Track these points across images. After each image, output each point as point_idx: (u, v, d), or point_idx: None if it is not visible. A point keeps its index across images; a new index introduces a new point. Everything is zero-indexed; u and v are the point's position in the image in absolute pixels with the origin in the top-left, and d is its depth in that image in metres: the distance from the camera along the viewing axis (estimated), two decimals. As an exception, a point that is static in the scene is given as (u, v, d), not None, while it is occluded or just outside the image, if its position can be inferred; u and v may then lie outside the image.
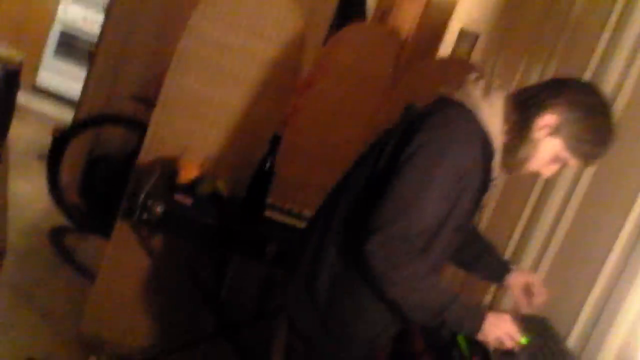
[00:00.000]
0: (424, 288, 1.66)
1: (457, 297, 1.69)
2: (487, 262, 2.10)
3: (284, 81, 3.04)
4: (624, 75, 2.33)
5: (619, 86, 2.33)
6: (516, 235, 2.68)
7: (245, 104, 3.04)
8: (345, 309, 1.80)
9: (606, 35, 2.50)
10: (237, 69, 3.00)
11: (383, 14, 6.12)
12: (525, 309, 2.02)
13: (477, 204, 1.82)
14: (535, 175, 1.85)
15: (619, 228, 2.05)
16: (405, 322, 1.90)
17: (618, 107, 2.29)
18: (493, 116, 1.72)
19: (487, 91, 1.75)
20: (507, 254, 2.65)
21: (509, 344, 1.72)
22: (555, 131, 1.70)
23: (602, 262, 2.08)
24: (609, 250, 2.07)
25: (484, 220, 3.00)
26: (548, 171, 1.78)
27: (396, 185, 1.64)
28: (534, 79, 2.92)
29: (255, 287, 3.10)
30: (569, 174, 2.46)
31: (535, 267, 2.47)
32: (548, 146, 1.72)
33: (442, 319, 1.67)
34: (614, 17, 2.48)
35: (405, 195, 1.62)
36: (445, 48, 4.82)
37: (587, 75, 2.47)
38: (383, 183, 1.68)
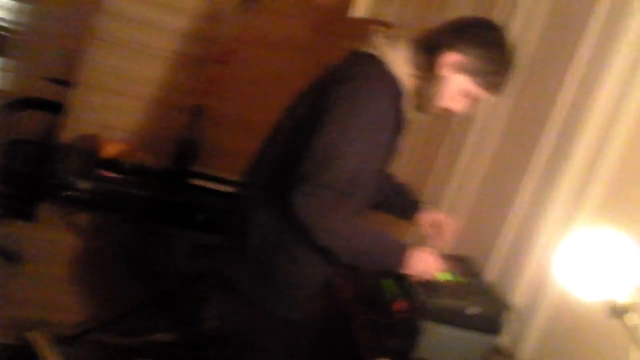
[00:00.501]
0: (352, 232, 1.74)
1: (383, 235, 1.81)
2: (399, 201, 2.22)
3: (201, 52, 3.08)
4: (532, 15, 2.46)
5: (528, 26, 2.47)
6: (434, 178, 2.82)
7: (163, 77, 3.08)
8: (278, 262, 1.86)
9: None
10: (153, 42, 3.03)
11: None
12: (435, 244, 2.12)
13: (393, 146, 1.91)
14: (448, 115, 1.93)
15: (527, 167, 2.20)
16: (336, 268, 1.98)
17: (528, 47, 2.43)
18: (400, 61, 1.82)
19: (393, 40, 1.85)
20: (426, 196, 2.78)
21: (430, 274, 1.84)
22: (459, 67, 1.81)
23: (513, 199, 2.22)
24: (519, 188, 2.21)
25: (403, 165, 3.12)
26: (458, 107, 1.88)
27: (319, 137, 1.71)
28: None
29: (186, 254, 3.14)
30: (480, 119, 2.60)
31: (453, 208, 2.61)
32: (454, 82, 1.82)
33: (370, 258, 1.78)
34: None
35: (328, 145, 1.69)
36: (359, 8, 4.90)
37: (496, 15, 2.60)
38: (305, 137, 1.75)
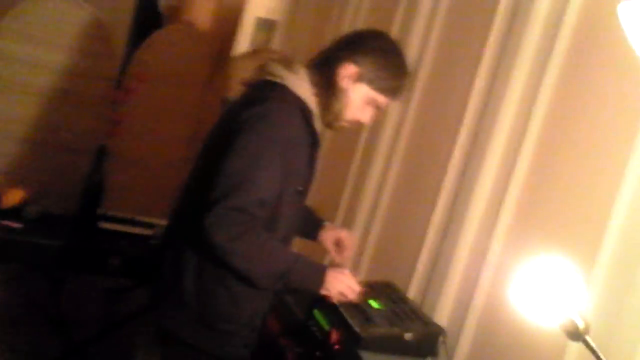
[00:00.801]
0: (266, 255, 1.73)
1: (299, 257, 1.80)
2: (304, 221, 2.19)
3: (99, 91, 3.03)
4: (427, 34, 2.60)
5: (423, 45, 2.59)
6: (344, 204, 2.88)
7: (62, 120, 2.99)
8: (217, 303, 1.83)
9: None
10: (48, 84, 2.94)
11: (176, 13, 6.14)
12: (338, 261, 2.14)
13: (311, 166, 1.93)
14: (356, 126, 1.98)
15: (440, 183, 2.29)
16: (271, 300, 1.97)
17: (425, 62, 2.54)
18: (300, 82, 1.86)
19: (289, 64, 1.89)
20: (338, 222, 2.83)
21: (351, 296, 1.84)
22: (358, 77, 1.86)
23: (429, 216, 2.30)
24: (434, 205, 2.30)
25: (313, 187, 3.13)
26: (364, 117, 1.92)
27: (228, 163, 1.70)
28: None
29: (99, 301, 3.02)
30: (387, 138, 2.68)
31: (367, 230, 2.67)
32: (356, 93, 1.87)
33: (286, 280, 1.76)
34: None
35: (237, 170, 1.70)
36: (245, 37, 4.92)
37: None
38: (217, 167, 1.74)
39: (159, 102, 3.19)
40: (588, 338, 1.11)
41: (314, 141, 1.89)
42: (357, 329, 1.85)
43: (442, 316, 2.13)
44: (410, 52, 2.57)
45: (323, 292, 1.81)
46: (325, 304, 1.98)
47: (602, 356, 1.08)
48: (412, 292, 2.30)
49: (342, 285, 1.82)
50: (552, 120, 1.92)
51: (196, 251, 1.82)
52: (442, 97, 2.45)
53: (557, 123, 1.91)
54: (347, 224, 2.79)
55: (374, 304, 1.94)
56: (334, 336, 1.89)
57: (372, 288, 2.02)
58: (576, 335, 1.11)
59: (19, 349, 3.03)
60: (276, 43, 4.29)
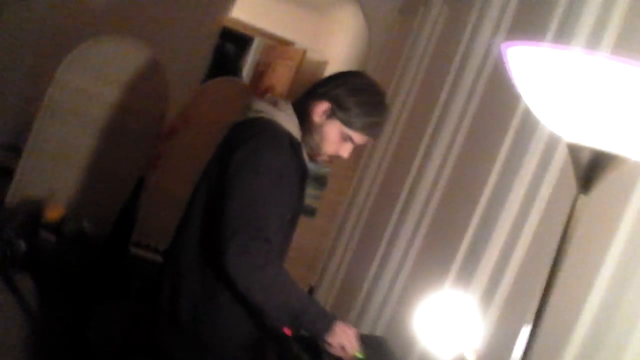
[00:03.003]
0: (286, 288, 1.78)
1: (313, 300, 1.87)
2: None
3: (148, 128, 3.24)
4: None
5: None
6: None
7: (109, 149, 3.22)
8: (214, 325, 1.88)
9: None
10: (102, 116, 3.17)
11: (261, 74, 6.48)
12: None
13: (300, 196, 2.02)
14: (337, 159, 2.06)
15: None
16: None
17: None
18: (288, 117, 1.96)
19: (274, 102, 2.00)
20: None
21: (348, 352, 1.87)
22: (330, 113, 1.96)
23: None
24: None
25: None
26: (343, 151, 2.01)
27: (232, 201, 1.76)
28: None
29: (121, 325, 3.15)
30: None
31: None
32: (330, 128, 1.96)
33: (299, 320, 1.80)
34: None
35: (244, 204, 1.76)
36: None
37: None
38: (219, 202, 1.81)
39: (199, 145, 3.35)
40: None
41: (303, 173, 1.98)
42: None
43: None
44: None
45: (328, 339, 1.84)
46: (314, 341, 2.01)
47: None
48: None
49: (345, 339, 1.86)
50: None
51: (195, 280, 1.89)
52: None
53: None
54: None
55: (358, 354, 1.94)
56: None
57: (364, 341, 2.04)
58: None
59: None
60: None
